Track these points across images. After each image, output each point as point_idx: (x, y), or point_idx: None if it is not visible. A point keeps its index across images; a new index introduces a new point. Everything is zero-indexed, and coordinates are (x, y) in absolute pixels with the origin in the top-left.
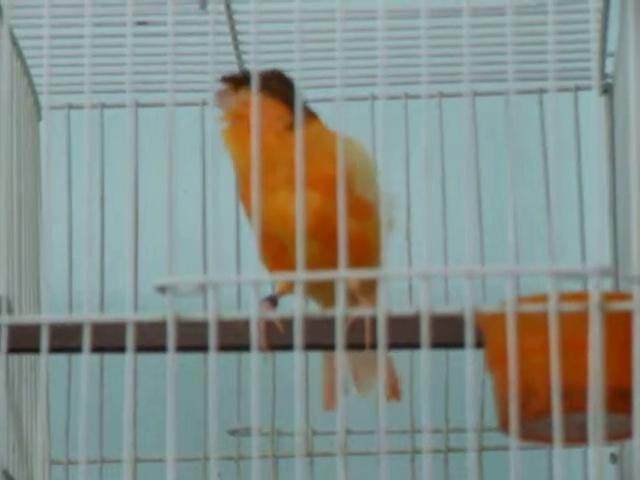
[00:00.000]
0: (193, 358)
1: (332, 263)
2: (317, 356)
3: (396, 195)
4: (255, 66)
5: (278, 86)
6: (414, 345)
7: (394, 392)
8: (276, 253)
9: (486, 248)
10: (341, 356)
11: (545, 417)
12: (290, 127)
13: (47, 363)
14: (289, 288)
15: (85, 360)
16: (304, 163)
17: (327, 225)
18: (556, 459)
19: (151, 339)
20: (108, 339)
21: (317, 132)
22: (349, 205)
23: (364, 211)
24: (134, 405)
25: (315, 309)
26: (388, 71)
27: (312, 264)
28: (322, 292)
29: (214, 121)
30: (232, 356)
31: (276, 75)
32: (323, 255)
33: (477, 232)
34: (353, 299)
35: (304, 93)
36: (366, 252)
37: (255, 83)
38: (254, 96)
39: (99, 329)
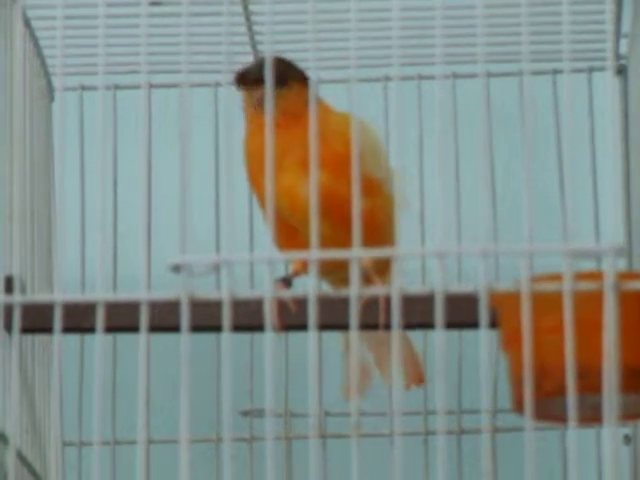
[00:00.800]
0: (205, 338)
1: (343, 242)
2: (331, 337)
3: (408, 173)
4: (269, 46)
5: (286, 73)
6: (428, 325)
7: (419, 377)
8: (287, 234)
9: (500, 227)
10: (355, 335)
11: (559, 397)
12: (300, 110)
13: (60, 343)
14: (303, 268)
15: (98, 340)
16: (309, 143)
17: (337, 204)
18: (570, 440)
19: (165, 319)
20: (121, 319)
21: (323, 112)
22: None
23: (373, 188)
24: (147, 386)
25: (328, 290)
26: (402, 52)
27: (323, 244)
28: (335, 273)
29: (227, 102)
30: (245, 337)
31: (281, 62)
32: (334, 234)
33: (491, 212)
34: (367, 279)
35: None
36: (376, 229)
37: (270, 77)
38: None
39: (112, 309)
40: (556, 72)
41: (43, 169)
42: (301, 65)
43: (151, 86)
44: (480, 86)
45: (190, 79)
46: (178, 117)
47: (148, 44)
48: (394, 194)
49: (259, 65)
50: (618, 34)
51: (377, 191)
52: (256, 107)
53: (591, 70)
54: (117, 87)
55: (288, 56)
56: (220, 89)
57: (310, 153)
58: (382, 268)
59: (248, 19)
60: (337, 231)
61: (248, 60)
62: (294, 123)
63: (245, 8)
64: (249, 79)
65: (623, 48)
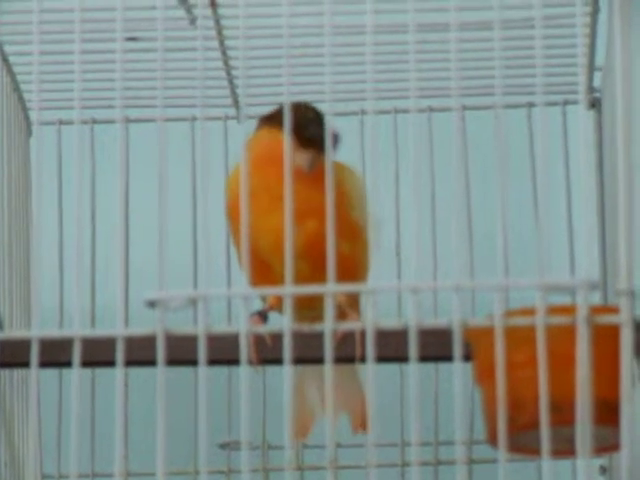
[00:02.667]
0: (183, 372)
1: (320, 282)
2: None
3: (382, 218)
4: (244, 81)
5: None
6: (403, 358)
7: (362, 423)
8: (262, 271)
9: (475, 262)
10: (329, 370)
11: (533, 430)
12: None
13: (38, 378)
14: (277, 303)
15: (76, 375)
16: (303, 191)
17: (318, 246)
18: (545, 472)
19: (141, 353)
20: (98, 354)
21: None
22: (343, 228)
23: (355, 234)
24: (125, 419)
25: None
26: (377, 86)
27: (300, 282)
28: (309, 310)
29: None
30: (222, 370)
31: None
32: (312, 275)
33: (466, 246)
34: (341, 314)
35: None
36: (354, 272)
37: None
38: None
39: (89, 344)
40: (530, 105)
41: (21, 204)
42: (275, 100)
43: (128, 121)
44: (455, 119)
45: (166, 113)
46: (155, 151)
47: (124, 79)
48: (370, 238)
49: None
50: (592, 67)
51: (358, 236)
52: (309, 167)
53: (565, 103)
54: (94, 121)
55: (264, 91)
56: (196, 123)
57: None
58: (354, 305)
59: (224, 54)
60: (315, 272)
61: (224, 93)
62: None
63: (221, 43)
64: (314, 140)
65: (597, 81)
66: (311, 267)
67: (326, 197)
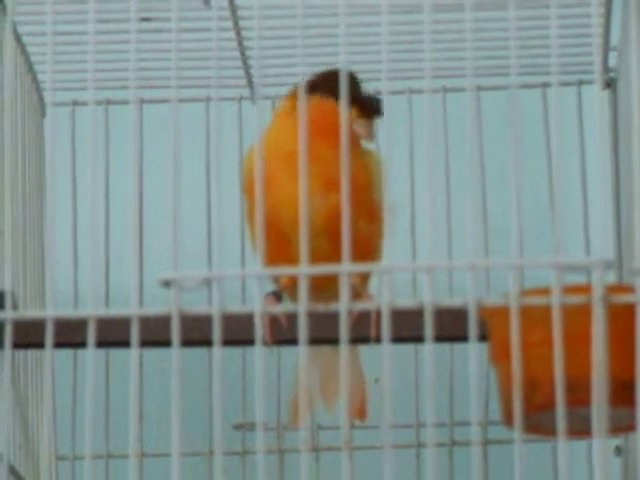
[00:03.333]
0: (198, 353)
1: (337, 261)
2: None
3: (397, 200)
4: (259, 61)
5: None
6: (418, 338)
7: (360, 411)
8: (280, 247)
9: (490, 241)
10: (345, 350)
11: (549, 410)
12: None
13: (52, 358)
14: (291, 283)
15: (90, 355)
16: (334, 165)
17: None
18: (560, 452)
19: (156, 334)
20: (113, 334)
21: (353, 139)
22: (364, 208)
23: (375, 215)
24: (139, 400)
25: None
26: (391, 66)
27: (317, 260)
28: (323, 292)
29: (217, 117)
30: (236, 350)
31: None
32: (330, 253)
33: (481, 225)
34: (355, 295)
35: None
36: (370, 253)
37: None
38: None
39: (104, 324)
40: (545, 85)
41: (35, 185)
42: (289, 80)
43: (142, 101)
44: (470, 100)
45: (180, 94)
46: (169, 132)
47: (138, 60)
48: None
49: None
50: (607, 47)
51: (377, 218)
52: (372, 137)
53: (580, 83)
54: (108, 102)
55: (278, 71)
56: (211, 104)
57: (337, 174)
58: (363, 285)
59: (238, 34)
60: (333, 250)
61: (238, 74)
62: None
63: (235, 23)
64: (372, 108)
65: (612, 61)
66: (331, 244)
67: (354, 172)
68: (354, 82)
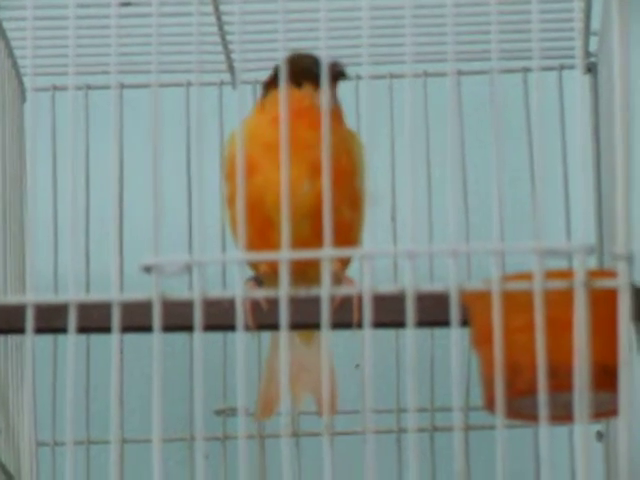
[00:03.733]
0: (179, 338)
1: (319, 246)
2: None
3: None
4: (240, 46)
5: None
6: (400, 324)
7: (332, 407)
8: (263, 231)
9: (471, 227)
10: (327, 335)
11: (531, 396)
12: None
13: (33, 344)
14: (271, 269)
15: (71, 341)
16: (319, 150)
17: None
18: (542, 437)
19: (137, 319)
20: (94, 319)
21: (337, 121)
22: (347, 195)
23: (357, 203)
24: (120, 386)
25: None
26: (372, 50)
27: (299, 244)
28: (303, 278)
29: (198, 102)
30: (217, 336)
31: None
32: (312, 237)
33: (462, 211)
34: (336, 280)
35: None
36: (351, 240)
37: (283, 74)
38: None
39: (85, 309)
40: (526, 70)
41: (15, 170)
42: (270, 65)
43: (122, 86)
44: (451, 84)
45: (161, 79)
46: (149, 117)
47: (119, 44)
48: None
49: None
50: (588, 32)
51: (358, 204)
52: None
53: (561, 68)
54: (89, 87)
55: (259, 56)
56: (191, 89)
57: (321, 158)
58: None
59: (219, 19)
60: (316, 235)
61: (219, 59)
62: (313, 123)
63: (216, 8)
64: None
65: (593, 46)
66: (314, 230)
67: (340, 158)
68: (302, 58)
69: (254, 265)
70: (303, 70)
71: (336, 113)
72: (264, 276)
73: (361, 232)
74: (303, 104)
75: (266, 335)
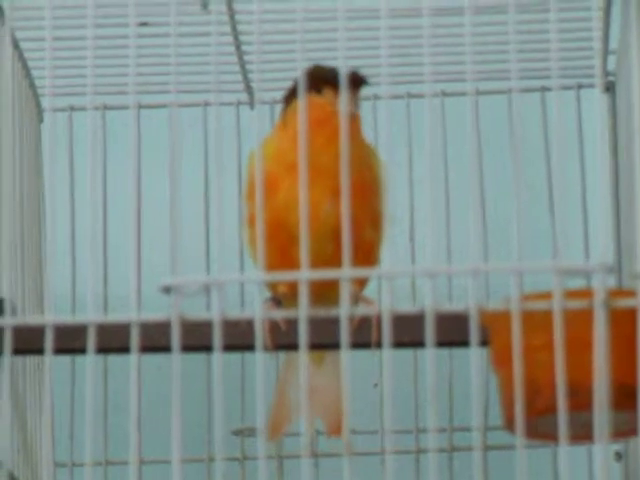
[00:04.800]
0: (197, 358)
1: (341, 266)
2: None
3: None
4: (258, 66)
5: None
6: (419, 344)
7: (337, 429)
8: (286, 251)
9: (490, 246)
10: (346, 355)
11: (550, 415)
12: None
13: (51, 364)
14: (291, 290)
15: (89, 361)
16: (338, 168)
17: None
18: (561, 457)
19: (155, 339)
20: (112, 340)
21: (357, 137)
22: (370, 215)
23: (378, 223)
24: (139, 406)
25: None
26: (391, 70)
27: (321, 264)
28: (322, 298)
29: (216, 122)
30: (236, 356)
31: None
32: (335, 257)
33: (481, 230)
34: (355, 301)
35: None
36: (373, 261)
37: (302, 86)
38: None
39: (103, 330)
40: (545, 89)
41: (33, 190)
42: (289, 85)
43: (140, 106)
44: (469, 104)
45: (179, 99)
46: (167, 137)
47: (137, 65)
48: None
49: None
50: (606, 51)
51: (380, 225)
52: (355, 110)
53: (579, 87)
54: (106, 107)
55: (277, 76)
56: (209, 109)
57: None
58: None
59: (237, 39)
60: (339, 255)
61: (236, 79)
62: (334, 139)
63: (233, 28)
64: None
65: (611, 65)
66: (337, 249)
67: (357, 175)
68: (322, 67)
69: (273, 286)
70: (323, 77)
71: (356, 123)
72: (282, 297)
73: (380, 251)
74: (324, 111)
75: (284, 356)
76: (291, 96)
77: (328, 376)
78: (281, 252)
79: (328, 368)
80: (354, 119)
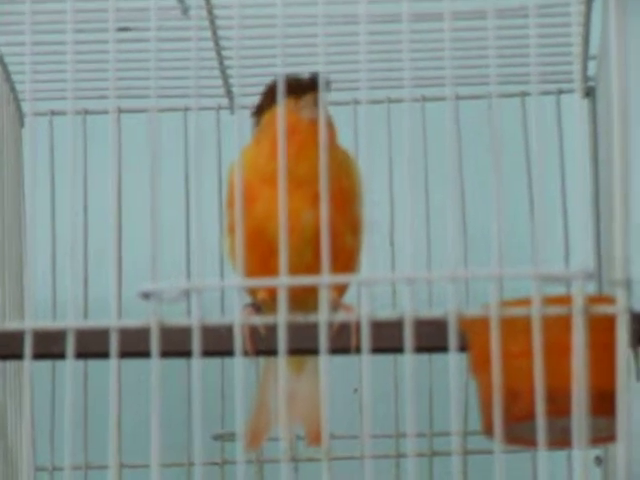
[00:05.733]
0: (176, 363)
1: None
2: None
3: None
4: (238, 71)
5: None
6: (398, 349)
7: (317, 437)
8: (265, 259)
9: (470, 252)
10: (325, 361)
11: (529, 421)
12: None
13: (31, 369)
14: (270, 296)
15: (69, 366)
16: (316, 176)
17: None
18: (540, 462)
19: (135, 345)
20: (92, 345)
21: (332, 144)
22: (349, 222)
23: (357, 228)
24: (119, 411)
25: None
26: (370, 75)
27: (301, 271)
28: (301, 305)
29: (196, 127)
30: (215, 361)
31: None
32: (314, 264)
33: (461, 236)
34: (334, 307)
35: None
36: (352, 266)
37: (281, 92)
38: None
39: (83, 335)
40: (524, 94)
41: (13, 195)
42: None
43: (120, 111)
44: (449, 109)
45: (159, 104)
46: (147, 142)
47: (117, 69)
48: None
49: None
50: (586, 56)
51: (359, 232)
52: (310, 114)
53: (559, 92)
54: (87, 112)
55: (257, 80)
56: (189, 114)
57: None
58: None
59: (217, 44)
60: (319, 262)
61: (216, 83)
62: (309, 147)
63: (214, 33)
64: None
65: (591, 70)
66: (316, 256)
67: (336, 183)
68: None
69: (252, 292)
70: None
71: (329, 127)
72: (262, 303)
73: (360, 258)
74: (290, 120)
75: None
76: (260, 111)
77: (308, 384)
78: (261, 261)
79: (308, 376)
80: (326, 124)
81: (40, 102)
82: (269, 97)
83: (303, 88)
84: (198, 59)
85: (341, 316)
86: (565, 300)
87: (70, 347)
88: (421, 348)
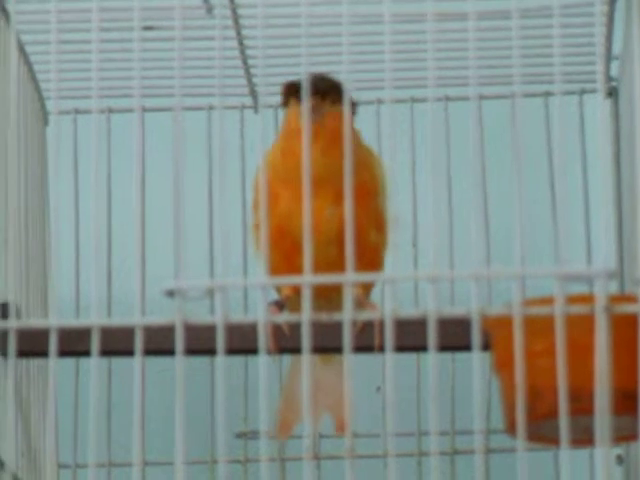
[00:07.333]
0: (200, 361)
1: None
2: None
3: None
4: (262, 70)
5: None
6: (421, 348)
7: (343, 425)
8: (290, 257)
9: (492, 251)
10: (349, 359)
11: (552, 419)
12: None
13: (55, 367)
14: (295, 293)
15: (93, 364)
16: (341, 174)
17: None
18: (563, 461)
19: (159, 343)
20: (116, 343)
21: (355, 141)
22: (373, 218)
23: (382, 225)
24: (143, 409)
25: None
26: (394, 75)
27: (327, 269)
28: (326, 302)
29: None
30: (239, 359)
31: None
32: (339, 261)
33: (483, 235)
34: (358, 305)
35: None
36: (378, 264)
37: (306, 91)
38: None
39: (107, 333)
40: (548, 94)
41: (37, 194)
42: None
43: (144, 110)
44: (472, 108)
45: (183, 102)
46: (171, 141)
47: (141, 68)
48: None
49: (315, 79)
50: (609, 56)
51: (384, 228)
52: (315, 119)
53: (582, 92)
54: (111, 110)
55: (281, 80)
56: (213, 112)
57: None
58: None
59: (241, 43)
60: (344, 259)
61: (240, 82)
62: (333, 145)
63: (238, 32)
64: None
65: (614, 70)
66: (341, 254)
67: (358, 179)
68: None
69: (277, 288)
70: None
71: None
72: (286, 299)
73: (384, 256)
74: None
75: (287, 358)
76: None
77: (335, 373)
78: (286, 259)
79: (335, 365)
80: (338, 120)
81: (64, 100)
82: (290, 95)
83: (325, 88)
84: (222, 58)
85: (364, 315)
86: (587, 299)
87: (95, 345)
88: (444, 346)
